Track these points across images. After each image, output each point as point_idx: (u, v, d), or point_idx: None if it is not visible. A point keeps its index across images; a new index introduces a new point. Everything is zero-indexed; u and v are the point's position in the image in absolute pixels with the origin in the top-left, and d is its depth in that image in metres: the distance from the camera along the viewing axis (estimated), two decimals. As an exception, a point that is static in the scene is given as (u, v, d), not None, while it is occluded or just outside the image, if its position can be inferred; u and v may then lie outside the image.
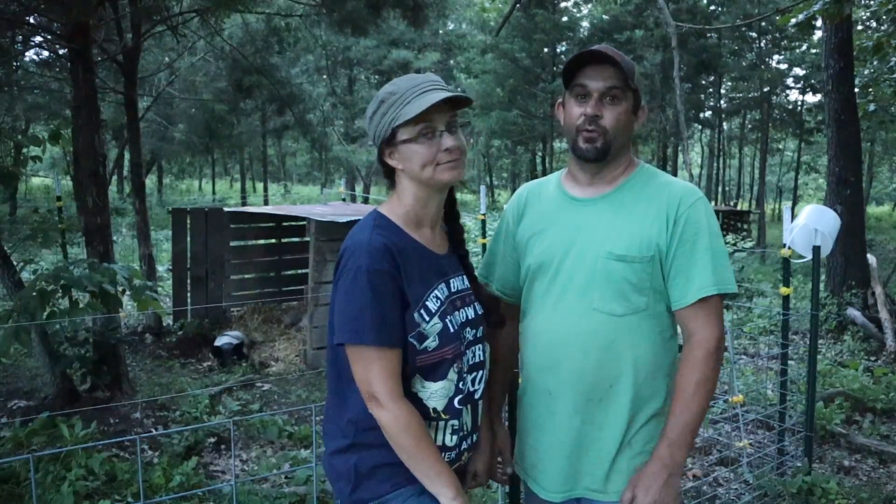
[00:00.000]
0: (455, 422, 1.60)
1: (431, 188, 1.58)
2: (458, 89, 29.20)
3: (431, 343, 1.54)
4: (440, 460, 1.52)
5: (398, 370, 1.51)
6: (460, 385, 1.59)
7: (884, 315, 6.92)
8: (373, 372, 1.49)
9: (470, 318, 1.64)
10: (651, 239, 1.62)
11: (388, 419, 1.48)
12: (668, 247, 1.62)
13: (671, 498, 1.59)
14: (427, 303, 1.55)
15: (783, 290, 4.11)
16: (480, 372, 1.67)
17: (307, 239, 6.48)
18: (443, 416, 1.58)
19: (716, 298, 1.61)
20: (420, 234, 1.62)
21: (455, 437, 1.61)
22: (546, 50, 26.78)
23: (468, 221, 10.32)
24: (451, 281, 1.64)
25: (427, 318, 1.54)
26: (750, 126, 29.55)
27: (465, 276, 1.69)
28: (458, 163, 1.55)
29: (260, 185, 31.94)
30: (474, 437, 1.70)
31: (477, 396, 1.67)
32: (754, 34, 24.22)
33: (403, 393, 1.52)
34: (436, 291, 1.58)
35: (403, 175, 1.59)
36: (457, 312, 1.61)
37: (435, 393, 1.56)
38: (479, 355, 1.67)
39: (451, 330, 1.57)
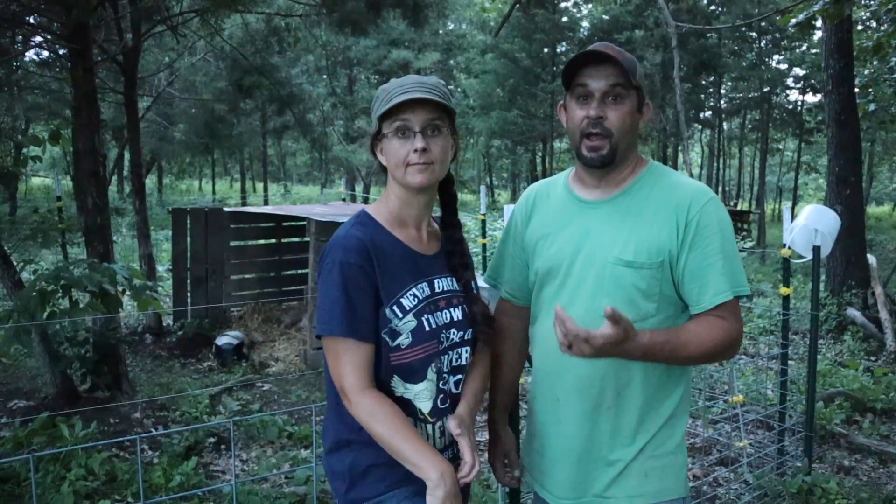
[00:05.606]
0: (441, 423, 1.60)
1: (408, 189, 1.59)
2: (458, 89, 29.29)
3: (404, 340, 1.54)
4: (420, 443, 1.48)
5: (367, 364, 1.51)
6: (441, 385, 1.59)
7: (884, 315, 6.92)
8: (341, 364, 1.50)
9: (456, 319, 1.63)
10: (661, 244, 1.57)
11: (355, 412, 1.50)
12: (678, 252, 1.57)
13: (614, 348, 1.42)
14: (402, 300, 1.55)
15: (783, 291, 4.11)
16: (462, 375, 1.66)
17: (307, 239, 6.48)
18: (429, 418, 1.58)
19: (733, 301, 1.57)
20: (404, 233, 1.62)
21: (443, 440, 1.61)
22: (546, 50, 26.80)
23: (468, 221, 10.31)
24: (435, 281, 1.63)
25: (400, 315, 1.53)
26: (750, 126, 29.57)
27: (451, 277, 1.67)
28: (428, 167, 1.55)
29: (260, 185, 31.95)
30: None
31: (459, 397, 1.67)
32: (754, 34, 24.24)
33: (373, 385, 1.52)
34: (414, 290, 1.57)
35: (390, 173, 1.61)
36: (439, 312, 1.60)
37: (419, 394, 1.56)
38: (466, 358, 1.65)
39: (427, 329, 1.56)
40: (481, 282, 1.87)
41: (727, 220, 1.61)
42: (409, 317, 1.54)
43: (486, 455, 1.93)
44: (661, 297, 1.59)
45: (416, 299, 1.57)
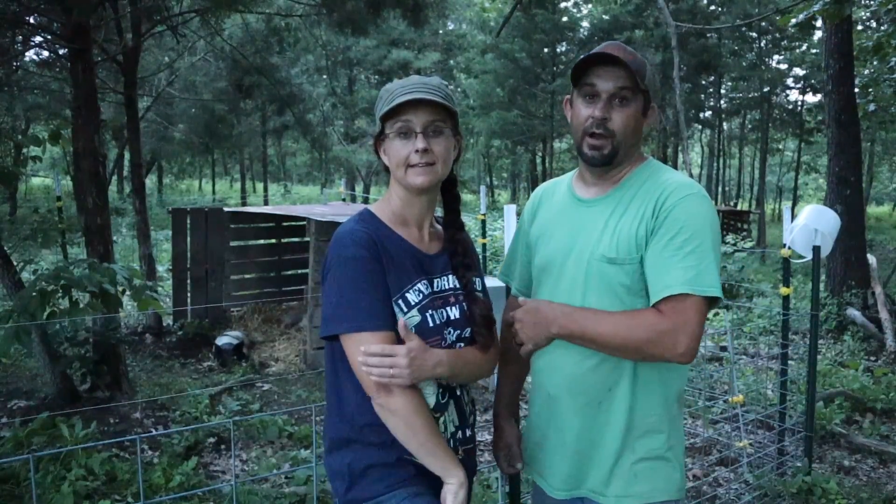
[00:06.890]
0: (443, 418, 1.60)
1: (409, 190, 1.60)
2: (458, 89, 29.28)
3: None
4: (445, 444, 1.55)
5: None
6: (441, 381, 1.60)
7: (884, 315, 6.93)
8: None
9: (453, 318, 1.63)
10: (639, 239, 1.57)
11: (401, 403, 1.47)
12: (647, 242, 1.56)
13: (534, 329, 1.61)
14: (407, 295, 1.55)
15: (783, 290, 4.11)
16: None
17: (307, 239, 6.48)
18: (434, 414, 1.58)
19: (691, 300, 1.47)
20: (406, 231, 1.63)
21: (445, 434, 1.61)
22: (546, 50, 26.81)
23: (468, 221, 10.32)
24: (434, 280, 1.63)
25: (405, 310, 1.54)
26: (750, 126, 29.58)
27: (451, 277, 1.68)
28: (429, 168, 1.56)
29: (260, 185, 31.95)
30: (466, 433, 1.67)
31: (458, 394, 1.66)
32: (754, 34, 24.26)
33: None
34: (418, 285, 1.58)
35: (392, 173, 1.62)
36: (439, 310, 1.61)
37: (423, 390, 1.56)
38: None
39: (431, 325, 1.56)
40: (491, 282, 1.89)
41: (705, 219, 1.54)
42: (414, 312, 1.55)
43: (485, 455, 1.94)
44: (647, 293, 1.57)
45: (420, 295, 1.57)
